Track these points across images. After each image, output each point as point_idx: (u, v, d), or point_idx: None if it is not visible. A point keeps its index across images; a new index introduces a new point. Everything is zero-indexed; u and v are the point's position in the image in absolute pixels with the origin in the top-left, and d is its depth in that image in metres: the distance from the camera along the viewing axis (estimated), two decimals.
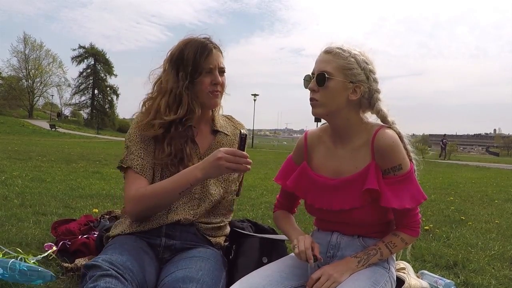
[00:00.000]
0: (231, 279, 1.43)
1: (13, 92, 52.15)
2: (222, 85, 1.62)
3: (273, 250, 1.65)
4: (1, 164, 6.75)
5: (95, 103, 59.45)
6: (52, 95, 59.35)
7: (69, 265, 1.84)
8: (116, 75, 62.11)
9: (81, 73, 58.77)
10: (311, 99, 1.35)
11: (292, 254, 1.42)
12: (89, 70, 59.45)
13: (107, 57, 60.93)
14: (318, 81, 1.32)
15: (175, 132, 1.56)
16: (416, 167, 1.38)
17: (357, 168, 1.35)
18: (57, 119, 55.78)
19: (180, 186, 1.44)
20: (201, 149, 1.63)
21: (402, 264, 1.82)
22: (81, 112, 62.20)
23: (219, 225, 1.66)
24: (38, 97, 57.81)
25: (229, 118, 1.78)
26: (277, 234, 1.85)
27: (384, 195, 1.30)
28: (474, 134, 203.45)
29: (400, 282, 1.60)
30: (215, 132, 1.69)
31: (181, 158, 1.55)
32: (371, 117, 1.41)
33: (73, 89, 58.62)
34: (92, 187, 4.75)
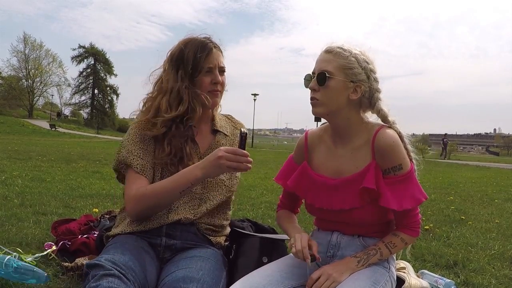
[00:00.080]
0: (231, 279, 1.43)
1: (13, 92, 52.13)
2: (222, 85, 1.62)
3: (273, 250, 1.65)
4: (1, 164, 6.75)
5: (95, 103, 59.41)
6: (52, 95, 59.46)
7: (69, 264, 1.84)
8: (116, 75, 62.13)
9: (81, 72, 58.75)
10: (312, 99, 1.35)
11: None
12: (89, 70, 59.39)
13: (107, 57, 60.91)
14: (318, 80, 1.32)
15: (175, 131, 1.56)
16: (416, 167, 1.37)
17: (358, 168, 1.35)
18: (57, 119, 55.74)
19: (181, 186, 1.44)
20: (201, 148, 1.63)
21: (402, 263, 1.82)
22: (81, 112, 62.20)
23: (219, 224, 1.66)
24: (38, 97, 57.87)
25: (229, 118, 1.78)
26: (277, 233, 1.85)
27: (384, 195, 1.30)
28: (474, 134, 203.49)
29: (400, 281, 1.60)
30: (215, 131, 1.69)
31: (181, 157, 1.55)
32: (371, 117, 1.41)
33: (73, 89, 58.67)
34: (92, 186, 4.75)
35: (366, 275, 1.29)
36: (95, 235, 2.09)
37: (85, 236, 2.15)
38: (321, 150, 1.45)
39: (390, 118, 1.36)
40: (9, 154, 8.84)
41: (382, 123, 1.37)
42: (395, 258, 1.49)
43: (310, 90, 1.36)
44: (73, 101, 59.50)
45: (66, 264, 1.86)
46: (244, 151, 1.37)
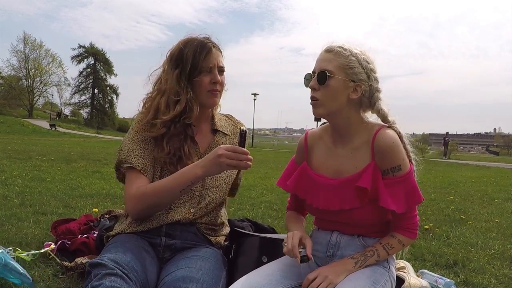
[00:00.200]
0: (231, 279, 1.43)
1: (13, 91, 52.09)
2: (222, 84, 1.62)
3: (273, 250, 1.65)
4: (1, 163, 6.75)
5: (95, 102, 59.35)
6: (52, 95, 59.34)
7: (69, 264, 1.84)
8: (116, 75, 62.03)
9: (81, 72, 58.67)
10: (312, 98, 1.35)
11: None
12: (89, 70, 59.32)
13: (107, 57, 60.78)
14: (319, 79, 1.32)
15: (174, 130, 1.57)
16: (416, 167, 1.37)
17: (357, 168, 1.34)
18: (57, 118, 55.73)
19: (181, 184, 1.45)
20: (201, 148, 1.63)
21: (402, 263, 1.82)
22: (81, 111, 62.16)
23: (219, 222, 1.66)
24: (38, 97, 57.75)
25: (229, 118, 1.78)
26: (277, 233, 1.85)
27: (382, 196, 1.30)
28: (474, 134, 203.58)
29: (400, 281, 1.60)
30: (215, 131, 1.69)
31: (180, 156, 1.55)
32: (371, 117, 1.40)
33: (73, 89, 58.53)
34: (92, 186, 4.74)
35: (365, 275, 1.29)
36: (95, 235, 2.09)
37: (85, 236, 2.15)
38: (320, 150, 1.45)
39: (390, 118, 1.36)
40: (9, 154, 8.84)
41: (382, 123, 1.37)
42: (394, 257, 1.49)
43: (310, 89, 1.36)
44: (73, 101, 59.52)
45: (66, 263, 1.86)
46: (243, 149, 1.37)
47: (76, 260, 1.85)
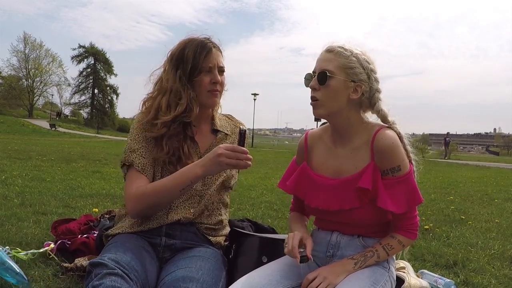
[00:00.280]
0: (231, 279, 1.43)
1: (13, 91, 52.05)
2: (222, 84, 1.62)
3: (273, 250, 1.65)
4: (1, 163, 6.75)
5: (95, 102, 59.31)
6: (52, 95, 59.29)
7: (69, 265, 1.84)
8: (116, 75, 62.00)
9: (81, 72, 58.65)
10: (312, 98, 1.35)
11: None
12: (89, 70, 59.29)
13: (107, 57, 60.75)
14: (319, 79, 1.32)
15: (173, 130, 1.57)
16: (416, 167, 1.37)
17: (357, 168, 1.34)
18: (57, 118, 55.72)
19: (180, 184, 1.45)
20: (201, 148, 1.64)
21: (402, 263, 1.82)
22: (81, 111, 62.15)
23: (218, 221, 1.66)
24: (38, 97, 57.69)
25: (229, 118, 1.79)
26: (277, 233, 1.85)
27: (381, 196, 1.30)
28: (474, 134, 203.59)
29: (400, 281, 1.60)
30: (215, 131, 1.69)
31: (179, 156, 1.55)
32: (371, 117, 1.40)
33: (73, 89, 58.48)
34: (92, 186, 4.74)
35: (365, 275, 1.29)
36: (95, 235, 2.09)
37: (85, 236, 2.15)
38: (320, 150, 1.45)
39: (390, 118, 1.36)
40: (9, 154, 8.84)
41: (382, 123, 1.37)
42: (394, 258, 1.49)
43: (310, 89, 1.36)
44: (73, 100, 59.48)
45: (66, 264, 1.86)
46: (243, 148, 1.38)
47: (76, 261, 1.85)
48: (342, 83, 1.31)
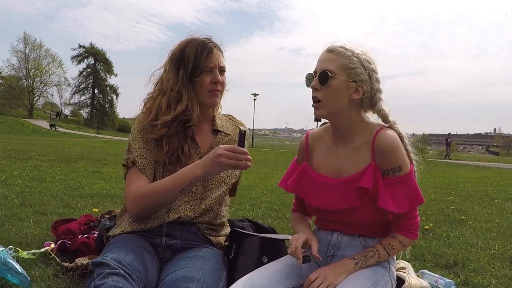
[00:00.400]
0: (231, 279, 1.43)
1: (13, 91, 52.07)
2: (222, 84, 1.62)
3: (273, 250, 1.65)
4: (1, 163, 6.75)
5: (95, 102, 59.34)
6: (52, 95, 59.35)
7: (69, 264, 1.84)
8: (116, 75, 62.05)
9: (81, 72, 58.68)
10: (313, 98, 1.35)
11: None
12: (89, 70, 59.32)
13: (107, 57, 60.82)
14: (320, 79, 1.32)
15: (174, 130, 1.57)
16: (416, 168, 1.37)
17: (357, 168, 1.34)
18: (57, 118, 55.72)
19: (180, 184, 1.45)
20: (201, 148, 1.64)
21: (402, 263, 1.82)
22: (81, 111, 62.17)
23: (219, 222, 1.66)
24: (38, 97, 57.76)
25: (230, 118, 1.79)
26: (277, 233, 1.85)
27: (382, 196, 1.30)
28: (474, 134, 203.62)
29: (400, 281, 1.60)
30: (216, 131, 1.69)
31: (179, 156, 1.55)
32: (372, 117, 1.40)
33: (73, 89, 58.55)
34: (92, 186, 4.74)
35: (366, 275, 1.29)
36: (95, 235, 2.09)
37: (85, 236, 2.15)
38: (321, 150, 1.45)
39: (391, 118, 1.36)
40: (9, 154, 8.84)
41: (383, 123, 1.37)
42: (395, 258, 1.49)
43: (311, 89, 1.36)
44: (73, 101, 59.55)
45: (66, 264, 1.86)
46: (243, 148, 1.38)
47: (76, 261, 1.85)
48: (343, 83, 1.31)
